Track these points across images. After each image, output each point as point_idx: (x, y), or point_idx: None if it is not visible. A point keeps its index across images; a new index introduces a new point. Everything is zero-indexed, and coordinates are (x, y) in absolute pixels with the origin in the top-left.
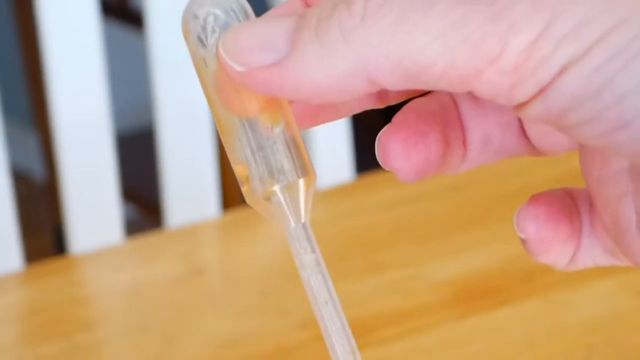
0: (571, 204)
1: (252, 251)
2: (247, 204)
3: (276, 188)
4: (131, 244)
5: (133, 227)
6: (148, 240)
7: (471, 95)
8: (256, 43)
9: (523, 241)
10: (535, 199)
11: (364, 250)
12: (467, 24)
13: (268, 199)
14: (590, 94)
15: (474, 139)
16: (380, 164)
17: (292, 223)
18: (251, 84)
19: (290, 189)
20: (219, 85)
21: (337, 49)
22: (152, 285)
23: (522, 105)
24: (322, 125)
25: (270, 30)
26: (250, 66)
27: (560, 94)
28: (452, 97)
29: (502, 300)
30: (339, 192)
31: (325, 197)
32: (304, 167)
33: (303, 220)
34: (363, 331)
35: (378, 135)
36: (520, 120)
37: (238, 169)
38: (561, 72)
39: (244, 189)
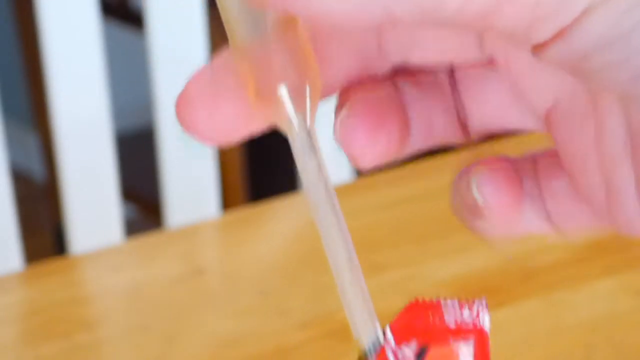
0: (517, 171)
1: (252, 251)
2: (247, 204)
3: (281, 89)
4: (131, 244)
5: (133, 227)
6: (148, 240)
7: (413, 81)
8: None
9: (472, 207)
10: (490, 164)
11: (364, 250)
12: None
13: (272, 101)
14: (617, 37)
15: (416, 124)
16: (341, 148)
17: (296, 126)
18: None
19: (295, 92)
20: None
21: None
22: (152, 285)
23: (541, 47)
24: (321, 125)
25: None
26: None
27: (585, 35)
28: (394, 83)
29: (501, 300)
30: (339, 192)
31: None
32: (311, 72)
33: (308, 125)
34: None
35: (339, 119)
36: (460, 105)
37: (243, 71)
38: (585, 12)
39: (248, 92)
